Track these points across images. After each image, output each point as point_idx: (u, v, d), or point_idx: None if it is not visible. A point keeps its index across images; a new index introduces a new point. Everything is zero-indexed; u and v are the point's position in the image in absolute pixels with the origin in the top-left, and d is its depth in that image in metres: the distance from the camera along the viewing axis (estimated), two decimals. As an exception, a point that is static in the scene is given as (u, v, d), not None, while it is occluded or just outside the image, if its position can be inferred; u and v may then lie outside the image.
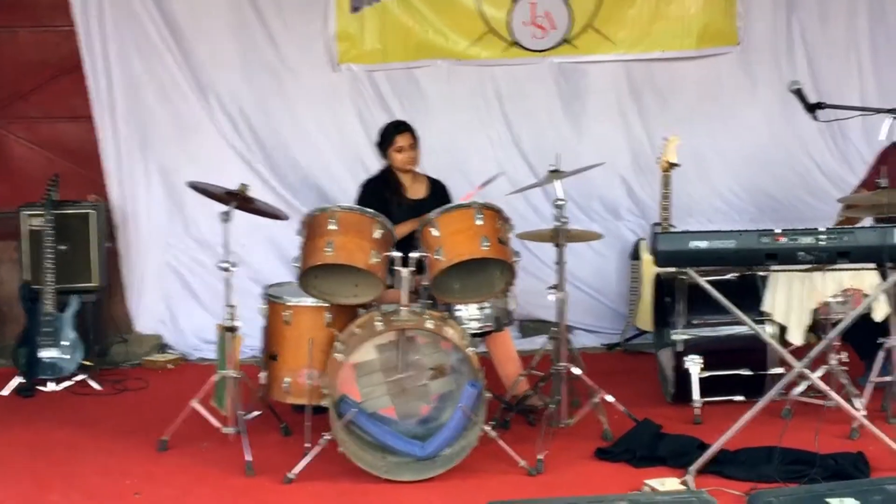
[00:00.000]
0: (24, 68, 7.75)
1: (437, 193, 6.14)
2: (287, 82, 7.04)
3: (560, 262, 5.29)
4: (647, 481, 4.63)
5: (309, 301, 5.24)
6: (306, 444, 4.98)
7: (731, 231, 4.65)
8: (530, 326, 6.96)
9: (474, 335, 5.37)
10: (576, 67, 7.13)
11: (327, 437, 4.87)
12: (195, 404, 5.26)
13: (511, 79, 7.13)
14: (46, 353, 6.28)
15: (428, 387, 4.99)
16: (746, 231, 4.63)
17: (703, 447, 4.84)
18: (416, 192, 6.10)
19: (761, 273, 5.55)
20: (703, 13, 7.08)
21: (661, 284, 5.87)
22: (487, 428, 4.89)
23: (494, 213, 5.16)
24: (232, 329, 5.21)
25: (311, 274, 5.11)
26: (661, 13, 7.08)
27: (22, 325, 6.39)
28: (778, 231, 4.57)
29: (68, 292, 6.43)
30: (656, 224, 6.60)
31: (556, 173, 5.35)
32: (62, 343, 6.29)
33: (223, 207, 5.25)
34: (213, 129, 7.00)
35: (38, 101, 7.76)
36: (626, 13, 7.08)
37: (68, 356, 6.30)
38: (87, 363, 6.36)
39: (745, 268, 5.36)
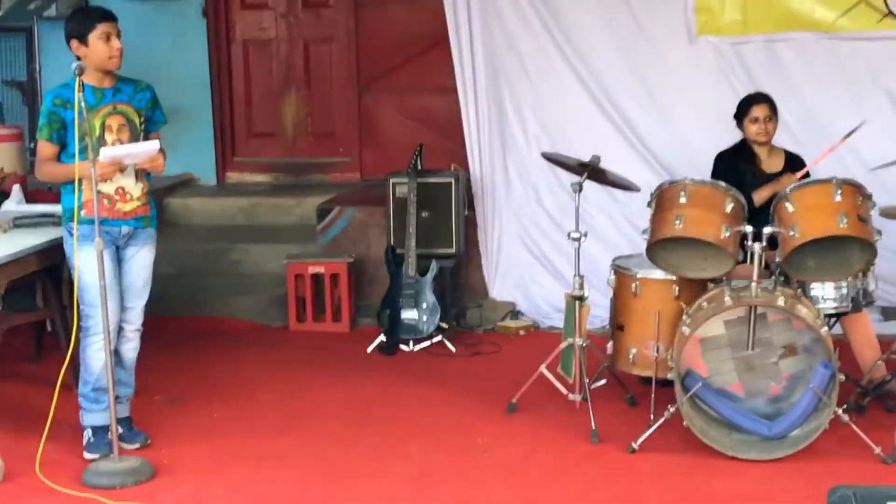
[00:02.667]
0: (394, 42, 8.20)
1: (795, 167, 5.92)
2: (646, 54, 6.97)
3: (928, 241, 5.00)
4: None
5: (657, 273, 5.23)
6: (651, 416, 5.01)
7: None
8: (894, 310, 6.59)
9: (829, 315, 5.18)
10: (965, 40, 6.58)
11: (672, 409, 4.86)
12: (543, 370, 5.40)
13: (885, 53, 6.67)
14: (407, 315, 6.61)
15: (778, 365, 4.87)
16: None
17: None
18: (772, 165, 5.94)
19: None
20: None
21: None
22: (840, 411, 4.72)
23: (854, 189, 4.94)
24: (580, 298, 5.30)
25: (660, 246, 5.10)
26: None
27: (386, 287, 6.76)
28: None
29: (429, 257, 6.74)
30: None
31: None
32: (422, 305, 6.60)
33: (575, 178, 5.34)
34: (571, 99, 7.06)
35: (407, 74, 8.20)
36: None
37: (427, 318, 6.60)
38: (444, 326, 6.63)
39: None
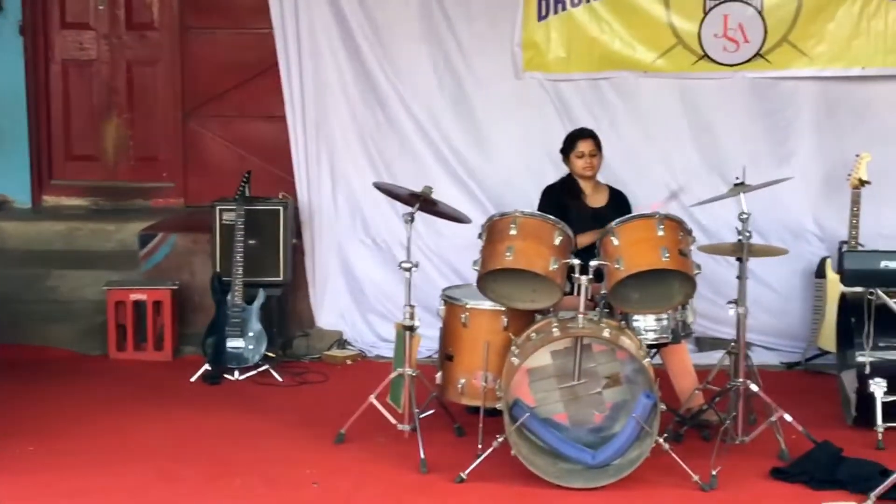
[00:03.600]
0: (222, 68, 8.10)
1: (618, 203, 6.14)
2: (473, 89, 7.09)
3: (741, 277, 5.21)
4: (825, 504, 4.54)
5: (487, 304, 5.30)
6: (479, 446, 5.05)
7: (925, 252, 4.50)
8: (708, 341, 6.85)
9: (650, 346, 5.34)
10: (769, 83, 6.90)
11: (500, 439, 4.92)
12: (373, 399, 5.39)
13: (700, 93, 6.99)
14: (233, 343, 6.51)
15: (602, 395, 4.99)
16: (941, 253, 4.48)
17: (886, 473, 4.69)
18: (597, 200, 6.12)
19: (954, 296, 5.33)
20: (908, 30, 6.77)
21: (847, 304, 5.70)
22: (661, 440, 4.86)
23: (676, 224, 5.13)
24: (411, 328, 5.32)
25: (490, 277, 5.17)
26: (862, 29, 6.78)
27: (211, 315, 6.64)
28: (975, 254, 4.40)
29: (256, 285, 6.66)
30: (844, 242, 6.43)
31: (741, 186, 5.29)
32: (248, 334, 6.52)
33: (407, 209, 5.37)
34: (400, 131, 7.12)
35: (234, 100, 8.11)
36: (825, 27, 6.80)
37: (252, 347, 6.52)
38: (270, 355, 6.58)
39: (936, 290, 5.16)
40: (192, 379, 6.41)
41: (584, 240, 5.59)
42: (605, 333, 4.92)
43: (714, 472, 4.85)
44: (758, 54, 6.88)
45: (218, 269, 6.77)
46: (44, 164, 8.33)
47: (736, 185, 5.32)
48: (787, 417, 5.23)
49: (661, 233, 5.04)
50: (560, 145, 6.20)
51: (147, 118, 8.30)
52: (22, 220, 7.98)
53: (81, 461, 5.15)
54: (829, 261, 6.60)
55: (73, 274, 7.35)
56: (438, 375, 5.48)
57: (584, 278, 4.99)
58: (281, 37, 7.07)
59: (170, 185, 8.32)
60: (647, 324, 5.30)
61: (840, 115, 6.90)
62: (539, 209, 5.91)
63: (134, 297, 6.85)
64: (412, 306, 5.34)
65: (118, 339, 6.84)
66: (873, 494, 4.54)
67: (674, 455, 4.88)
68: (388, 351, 6.78)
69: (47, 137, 8.32)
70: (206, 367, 6.47)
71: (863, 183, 6.40)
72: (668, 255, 4.98)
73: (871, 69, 6.83)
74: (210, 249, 6.93)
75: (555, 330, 4.97)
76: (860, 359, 5.46)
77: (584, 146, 6.06)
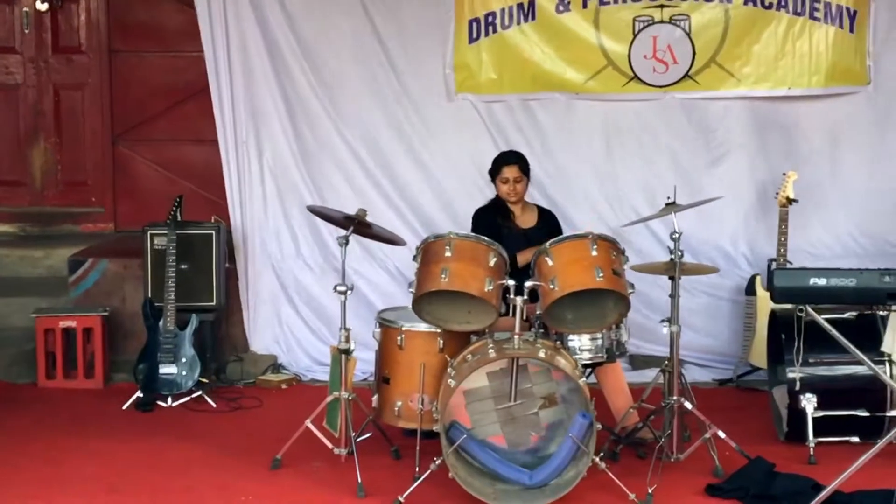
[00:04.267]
0: (151, 91, 8.04)
1: (547, 223, 6.20)
2: (406, 110, 7.10)
3: (674, 295, 5.27)
4: (759, 520, 4.58)
5: (422, 326, 5.30)
6: (416, 468, 5.04)
7: (852, 269, 4.57)
8: (641, 359, 6.91)
9: (585, 366, 5.37)
10: (698, 103, 7.00)
11: (438, 462, 4.91)
12: (309, 424, 5.35)
13: (630, 113, 7.07)
14: (165, 370, 6.43)
15: (538, 416, 5.00)
16: (868, 270, 4.55)
17: (818, 488, 4.76)
18: (526, 220, 6.17)
19: (882, 312, 5.43)
20: (833, 51, 6.89)
21: (777, 321, 5.79)
22: (597, 459, 4.88)
23: (609, 244, 5.17)
24: (347, 351, 5.30)
25: (425, 300, 5.17)
26: (787, 50, 6.90)
27: (143, 341, 6.55)
28: (901, 270, 4.49)
29: (188, 310, 6.58)
30: (772, 260, 6.53)
31: (672, 206, 5.35)
32: (181, 360, 6.44)
33: (341, 232, 5.35)
34: (334, 154, 7.10)
35: (165, 123, 8.04)
36: (751, 49, 6.92)
37: (186, 373, 6.44)
38: (204, 380, 6.50)
39: (864, 307, 5.26)
40: (125, 406, 6.33)
41: (525, 257, 5.65)
42: (541, 353, 4.93)
43: (650, 490, 4.88)
44: (687, 75, 6.97)
45: (150, 295, 6.70)
46: (-31, 189, 8.20)
47: (667, 204, 5.38)
48: (721, 434, 5.29)
49: (594, 252, 5.08)
50: (490, 166, 6.25)
51: (75, 142, 8.20)
52: (-54, 245, 7.84)
53: (12, 493, 5.03)
54: (758, 278, 6.70)
55: (1, 301, 7.21)
56: (375, 398, 5.46)
57: (519, 299, 5.01)
58: (212, 59, 7.02)
59: (99, 210, 8.21)
60: (582, 343, 5.34)
61: (768, 134, 7.02)
62: (472, 231, 5.95)
63: (63, 324, 6.74)
64: (347, 329, 5.33)
65: (48, 366, 6.73)
66: (806, 509, 4.60)
67: (610, 474, 4.90)
68: (322, 374, 6.74)
69: (-28, 162, 8.20)
70: (139, 394, 6.38)
71: (790, 201, 6.52)
72: (601, 274, 5.02)
73: (797, 89, 6.96)
74: (141, 275, 6.85)
75: (490, 351, 4.98)
76: (791, 375, 5.53)
77: (508, 172, 6.11)
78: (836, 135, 7.03)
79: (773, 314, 5.87)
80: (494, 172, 6.17)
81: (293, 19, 7.01)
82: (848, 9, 6.88)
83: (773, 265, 6.49)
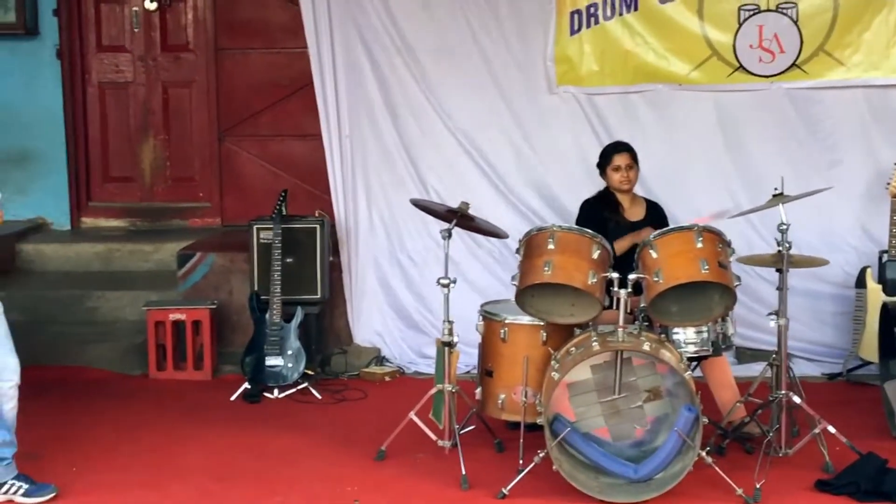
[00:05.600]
0: (256, 87, 8.17)
1: (655, 216, 6.14)
2: (508, 102, 7.09)
3: (782, 288, 5.18)
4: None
5: (525, 319, 5.30)
6: (520, 461, 5.04)
7: (968, 260, 4.46)
8: (748, 353, 6.81)
9: (691, 359, 5.31)
10: (806, 93, 6.86)
11: (541, 454, 4.90)
12: (413, 416, 5.39)
13: (736, 105, 6.95)
14: (272, 362, 6.53)
15: (643, 409, 4.96)
16: (985, 260, 4.43)
17: (933, 484, 4.65)
18: (635, 213, 6.11)
19: None
20: (947, 37, 6.70)
21: (889, 314, 5.66)
22: (703, 453, 4.83)
23: (715, 237, 5.10)
24: (450, 344, 5.32)
25: (528, 292, 5.17)
26: (899, 37, 6.76)
27: (250, 334, 6.66)
28: None
29: (293, 303, 6.67)
30: (884, 252, 6.38)
31: (780, 196, 5.26)
32: (287, 352, 6.53)
33: (444, 225, 5.37)
34: (437, 146, 7.14)
35: (269, 119, 8.17)
36: (861, 37, 6.75)
37: (291, 365, 6.53)
38: (309, 372, 6.59)
39: (981, 298, 5.12)
40: (232, 398, 6.43)
41: (622, 245, 5.63)
42: (645, 347, 4.89)
43: (758, 486, 4.81)
44: (794, 65, 6.83)
45: (256, 288, 6.81)
46: (82, 186, 8.42)
47: (775, 195, 5.29)
48: (831, 429, 5.19)
49: (699, 245, 5.02)
50: (596, 159, 6.21)
51: (183, 139, 8.37)
52: (61, 242, 8.06)
53: (124, 480, 5.17)
54: (869, 270, 6.54)
55: (113, 295, 7.41)
56: (478, 391, 5.48)
57: (623, 292, 4.97)
58: (315, 55, 7.09)
59: (206, 205, 8.38)
60: (688, 336, 5.28)
61: (880, 124, 6.84)
62: (577, 223, 5.94)
63: (173, 316, 6.88)
64: (451, 322, 5.34)
65: (158, 358, 6.88)
66: (921, 506, 4.50)
67: (717, 468, 4.84)
68: (425, 367, 6.78)
69: (85, 160, 8.42)
70: (246, 385, 6.48)
71: (902, 192, 6.36)
72: (707, 267, 4.95)
73: (910, 77, 6.79)
74: (248, 268, 6.96)
75: (594, 344, 4.95)
76: (903, 369, 5.41)
77: (620, 159, 6.07)
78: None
79: (885, 307, 5.75)
80: (605, 162, 6.13)
81: (394, 14, 7.05)
82: (963, -6, 6.68)
83: (885, 257, 6.34)
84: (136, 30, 8.33)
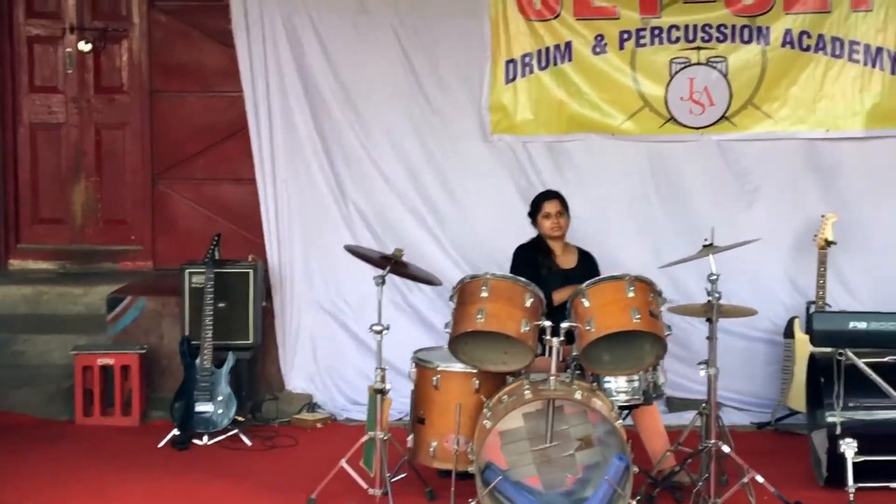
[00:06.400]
0: (191, 131, 8.11)
1: (587, 264, 6.20)
2: (443, 149, 7.13)
3: (712, 338, 5.23)
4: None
5: (458, 366, 5.30)
6: (451, 510, 5.03)
7: (893, 313, 4.55)
8: (678, 402, 6.86)
9: (622, 408, 5.34)
10: (736, 145, 6.98)
11: (473, 503, 4.88)
12: (344, 464, 5.34)
13: (667, 155, 7.06)
14: (201, 408, 6.44)
15: (574, 458, 4.97)
16: (909, 313, 4.52)
17: (858, 534, 4.70)
18: (567, 261, 6.17)
19: (924, 357, 5.37)
20: (872, 94, 6.85)
21: (816, 364, 5.73)
22: (633, 502, 4.84)
23: (646, 286, 5.16)
24: (382, 391, 5.30)
25: (461, 340, 5.17)
26: (826, 92, 6.87)
27: (180, 379, 6.58)
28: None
29: (225, 349, 6.61)
30: (811, 303, 6.48)
31: (709, 247, 5.32)
32: (217, 398, 6.46)
33: (378, 271, 5.37)
34: (371, 192, 7.15)
35: (204, 163, 8.12)
36: (789, 91, 6.89)
37: (222, 411, 6.45)
38: (240, 419, 6.52)
39: (905, 351, 5.20)
40: (161, 444, 6.34)
41: (561, 295, 5.65)
42: (577, 395, 4.91)
43: (687, 535, 4.84)
44: (724, 117, 6.96)
45: (187, 333, 6.74)
46: (10, 227, 8.27)
47: (705, 246, 5.36)
48: (759, 478, 5.23)
49: (631, 294, 5.07)
50: (529, 206, 6.26)
51: (115, 181, 8.27)
52: (-12, 283, 7.92)
53: (48, 529, 5.08)
54: (797, 320, 6.64)
55: (40, 338, 7.28)
56: (410, 438, 5.45)
57: (555, 340, 5.01)
58: (251, 98, 7.09)
59: (138, 248, 8.27)
60: (619, 385, 5.32)
61: (807, 176, 6.97)
62: (512, 268, 5.98)
63: (101, 361, 6.78)
64: (383, 369, 5.32)
65: (85, 403, 6.77)
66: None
67: (646, 517, 4.87)
68: (357, 414, 6.74)
69: (14, 201, 8.27)
70: (175, 431, 6.39)
71: (829, 243, 6.47)
72: (638, 316, 5.00)
73: (835, 132, 6.91)
74: (179, 313, 6.90)
75: (527, 392, 4.97)
76: (830, 419, 5.46)
77: (549, 206, 6.15)
78: (877, 178, 6.94)
79: (812, 357, 5.81)
80: (535, 211, 6.21)
81: (331, 59, 7.07)
82: (889, 51, 6.83)
83: (812, 308, 6.44)
84: (69, 71, 8.25)
